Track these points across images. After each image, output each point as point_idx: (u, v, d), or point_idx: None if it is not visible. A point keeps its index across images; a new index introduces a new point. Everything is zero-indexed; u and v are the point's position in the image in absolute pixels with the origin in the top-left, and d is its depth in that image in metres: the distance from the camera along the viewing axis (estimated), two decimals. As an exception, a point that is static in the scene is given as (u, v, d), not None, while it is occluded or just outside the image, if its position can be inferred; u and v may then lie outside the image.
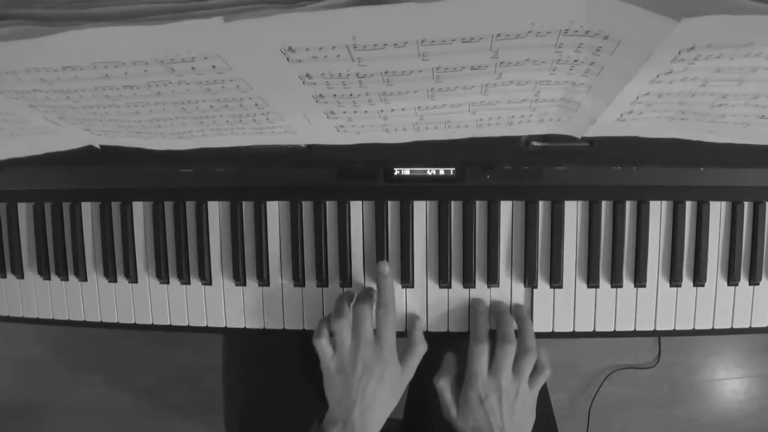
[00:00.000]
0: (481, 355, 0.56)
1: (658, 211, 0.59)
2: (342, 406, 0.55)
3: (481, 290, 0.61)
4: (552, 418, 0.72)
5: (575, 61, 0.36)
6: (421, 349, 0.58)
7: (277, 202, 0.62)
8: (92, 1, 0.33)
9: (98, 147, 0.55)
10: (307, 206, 0.61)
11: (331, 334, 0.57)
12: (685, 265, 0.60)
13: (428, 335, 0.60)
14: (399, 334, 0.60)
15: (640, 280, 0.60)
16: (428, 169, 0.59)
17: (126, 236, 0.63)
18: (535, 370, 0.57)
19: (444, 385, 0.58)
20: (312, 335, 0.57)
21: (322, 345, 0.56)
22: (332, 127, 0.47)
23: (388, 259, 0.61)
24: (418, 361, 0.58)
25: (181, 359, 1.36)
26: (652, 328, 0.61)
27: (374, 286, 0.61)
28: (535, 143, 0.56)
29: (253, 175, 0.60)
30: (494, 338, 0.57)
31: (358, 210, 0.61)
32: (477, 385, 0.55)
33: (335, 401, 0.56)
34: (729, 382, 1.33)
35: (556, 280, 0.60)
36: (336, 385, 0.56)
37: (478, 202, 0.60)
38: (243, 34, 0.31)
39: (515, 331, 0.57)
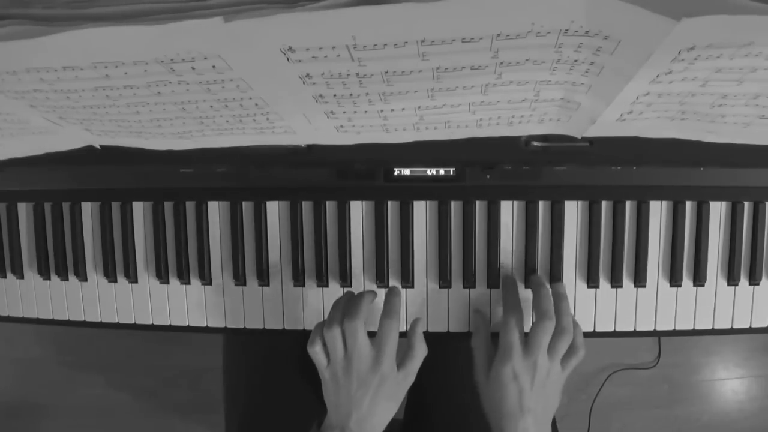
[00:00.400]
0: (514, 326, 0.54)
1: (658, 211, 0.59)
2: (339, 413, 0.53)
3: (481, 290, 0.61)
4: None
5: (575, 61, 0.36)
6: (421, 353, 0.56)
7: (277, 202, 0.62)
8: (92, 1, 0.33)
9: (98, 147, 0.55)
10: (307, 206, 0.61)
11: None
12: (685, 265, 0.60)
13: (428, 335, 0.60)
14: (399, 335, 0.60)
15: (640, 280, 0.60)
16: (428, 169, 0.59)
17: (126, 236, 0.63)
18: (569, 351, 0.55)
19: (480, 346, 0.57)
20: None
21: (316, 353, 0.54)
22: (332, 127, 0.47)
23: (388, 259, 0.61)
24: (419, 365, 0.56)
25: (181, 359, 1.36)
26: (652, 328, 0.61)
27: (374, 287, 0.61)
28: (535, 143, 0.56)
29: (253, 175, 0.60)
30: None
31: (358, 210, 0.61)
32: (512, 360, 0.53)
33: (332, 407, 0.55)
34: (729, 382, 1.33)
35: (556, 280, 0.60)
36: (331, 393, 0.54)
37: (478, 202, 0.60)
38: (243, 34, 0.31)
39: None
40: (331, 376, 0.54)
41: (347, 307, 0.55)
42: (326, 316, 0.59)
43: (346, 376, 0.53)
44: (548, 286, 0.59)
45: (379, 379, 0.53)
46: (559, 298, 0.57)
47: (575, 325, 0.57)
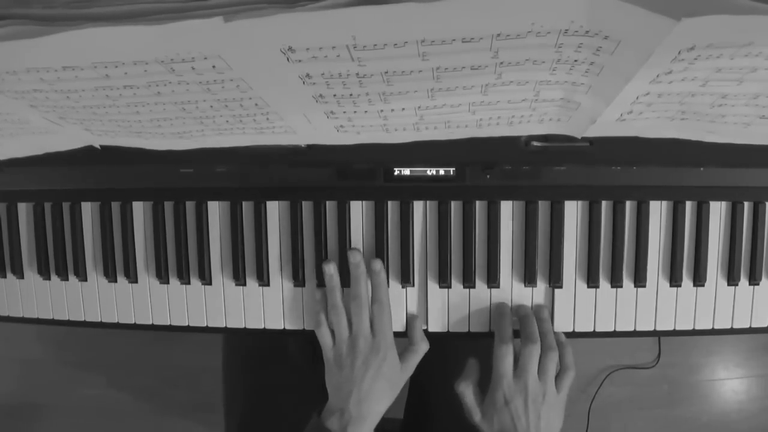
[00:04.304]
0: (505, 355, 0.56)
1: (658, 211, 0.59)
2: (340, 395, 0.56)
3: (481, 290, 0.61)
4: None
5: (575, 61, 0.36)
6: (422, 347, 0.59)
7: (277, 202, 0.62)
8: (92, 1, 0.33)
9: (98, 147, 0.55)
10: (307, 206, 0.61)
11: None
12: (685, 265, 0.60)
13: (428, 335, 0.60)
14: (400, 334, 0.60)
15: (640, 280, 0.60)
16: (428, 169, 0.59)
17: (126, 236, 0.63)
18: (560, 373, 0.57)
19: (465, 390, 0.58)
20: (313, 330, 0.58)
21: (323, 333, 0.58)
22: (332, 127, 0.47)
23: (388, 259, 0.61)
24: (419, 358, 0.59)
25: (181, 359, 1.36)
26: (652, 328, 0.61)
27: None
28: (535, 143, 0.56)
29: (253, 175, 0.60)
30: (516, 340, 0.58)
31: (358, 210, 0.61)
32: (502, 386, 0.55)
33: (334, 390, 0.57)
34: (729, 382, 1.33)
35: (556, 280, 0.60)
36: (334, 375, 0.57)
37: (478, 202, 0.60)
38: (243, 34, 0.31)
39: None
40: (335, 356, 0.57)
41: (353, 291, 0.58)
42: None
43: (350, 355, 0.56)
44: (531, 313, 0.60)
45: (379, 359, 0.56)
46: (542, 321, 0.59)
47: (564, 345, 0.59)
